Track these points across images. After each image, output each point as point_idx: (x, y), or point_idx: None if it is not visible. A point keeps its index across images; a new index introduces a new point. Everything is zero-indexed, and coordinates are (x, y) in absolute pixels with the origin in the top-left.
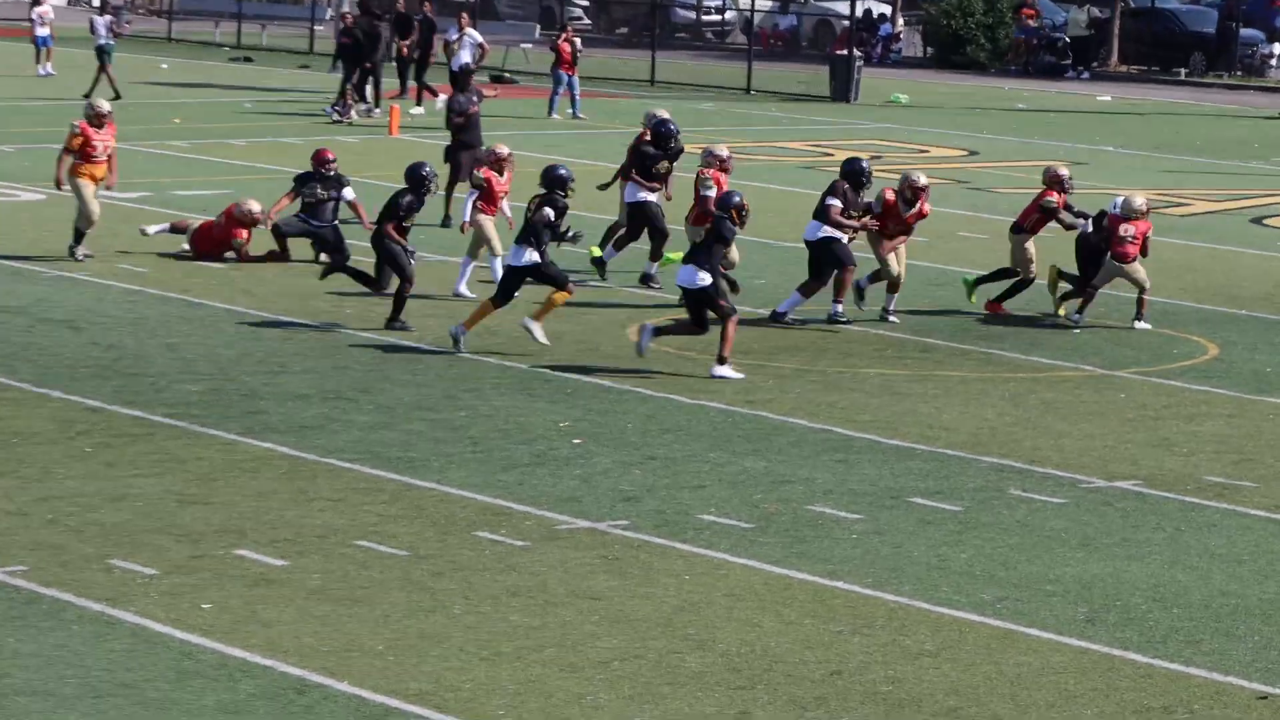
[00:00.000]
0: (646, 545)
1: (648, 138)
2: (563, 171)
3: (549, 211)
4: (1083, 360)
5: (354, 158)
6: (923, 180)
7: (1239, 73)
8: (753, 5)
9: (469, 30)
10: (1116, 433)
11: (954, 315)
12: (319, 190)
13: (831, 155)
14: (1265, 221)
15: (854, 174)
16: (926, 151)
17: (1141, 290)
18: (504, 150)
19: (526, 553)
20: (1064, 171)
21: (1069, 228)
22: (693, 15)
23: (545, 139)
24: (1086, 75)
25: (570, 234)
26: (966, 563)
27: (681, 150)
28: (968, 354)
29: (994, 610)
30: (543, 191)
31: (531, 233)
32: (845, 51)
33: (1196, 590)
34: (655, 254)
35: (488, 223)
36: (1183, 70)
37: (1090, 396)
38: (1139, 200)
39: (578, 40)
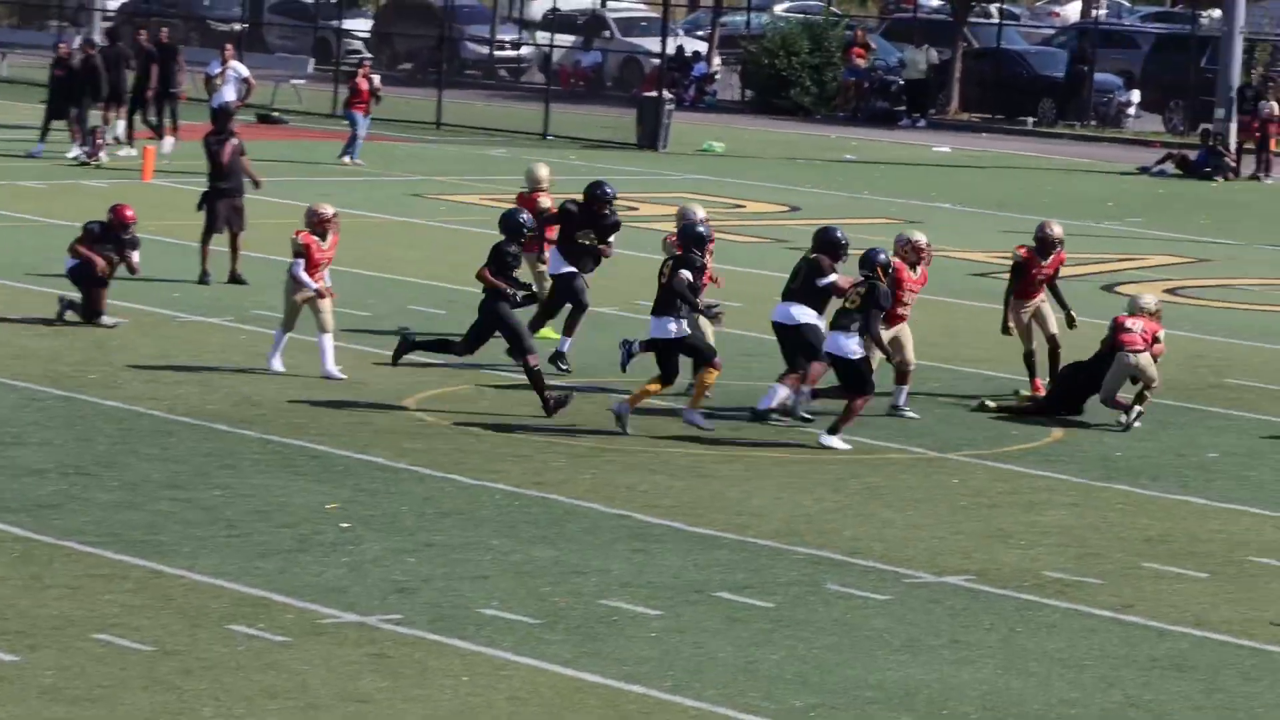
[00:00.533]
0: (421, 642)
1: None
2: (701, 230)
3: (686, 274)
4: (910, 441)
5: (102, 204)
6: (923, 239)
7: (1093, 122)
8: (551, 40)
9: (233, 64)
10: (947, 522)
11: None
12: (111, 253)
13: (637, 209)
14: (1117, 289)
15: (832, 244)
16: (743, 206)
17: (1147, 387)
18: (328, 210)
19: (287, 649)
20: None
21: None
22: (485, 51)
23: (316, 187)
24: (923, 123)
25: (714, 311)
26: (777, 665)
27: (618, 224)
28: (783, 435)
29: (806, 719)
30: (676, 254)
31: (670, 300)
32: (655, 93)
33: (1033, 699)
34: (568, 329)
35: (304, 295)
36: (1030, 119)
37: (919, 481)
38: (1148, 298)
39: (376, 77)
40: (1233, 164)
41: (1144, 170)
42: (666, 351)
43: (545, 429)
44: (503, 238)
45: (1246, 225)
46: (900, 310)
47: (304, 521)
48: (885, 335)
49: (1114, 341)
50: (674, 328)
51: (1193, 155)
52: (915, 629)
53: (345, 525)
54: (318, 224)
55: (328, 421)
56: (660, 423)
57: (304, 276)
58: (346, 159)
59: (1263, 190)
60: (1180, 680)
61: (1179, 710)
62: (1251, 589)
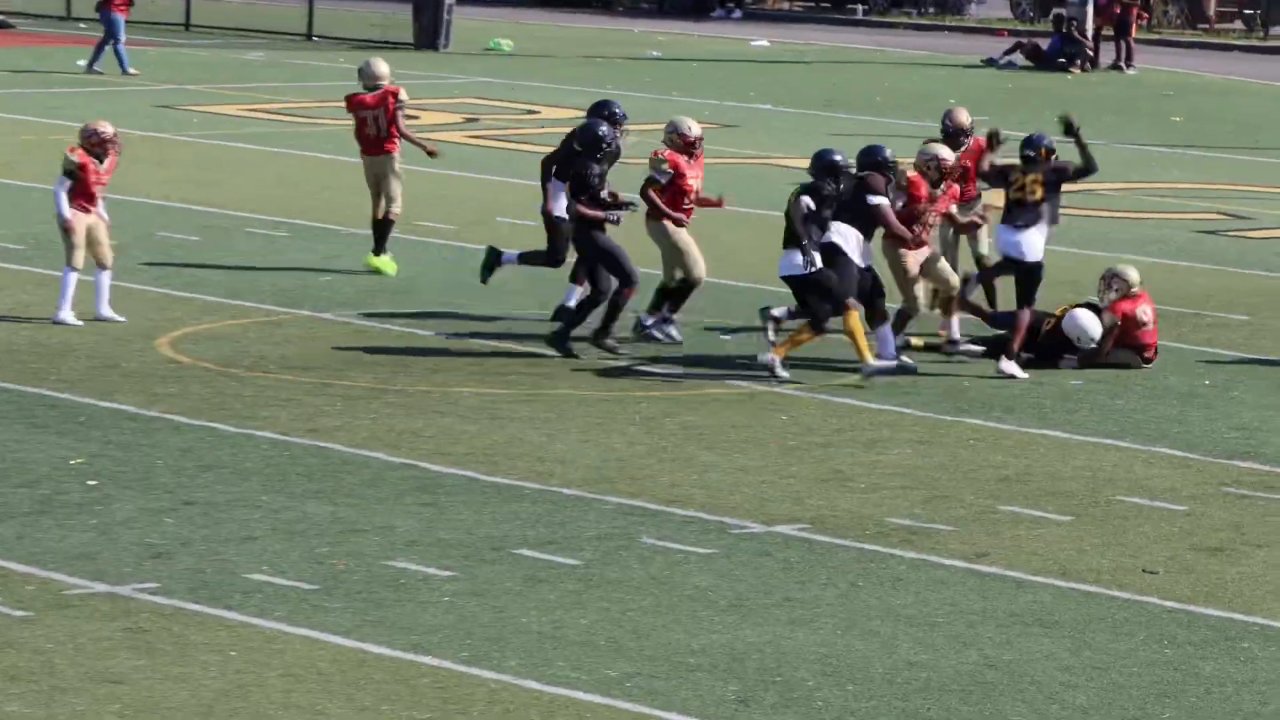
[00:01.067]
0: (180, 614)
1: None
2: (837, 157)
3: (807, 200)
4: (734, 374)
5: None
6: (948, 155)
7: (932, 9)
8: None
9: None
10: (776, 465)
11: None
12: None
13: (418, 117)
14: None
15: (884, 164)
16: (537, 113)
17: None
18: (107, 129)
19: (28, 625)
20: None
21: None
22: None
23: (49, 100)
24: (739, 14)
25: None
26: (587, 630)
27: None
28: (590, 367)
29: (623, 690)
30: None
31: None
32: None
33: (878, 661)
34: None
35: (81, 223)
36: (860, 6)
37: (743, 419)
38: (1134, 272)
39: None
40: (1090, 52)
41: (991, 62)
42: (803, 290)
43: (317, 368)
44: (577, 155)
45: (1107, 121)
46: (925, 233)
47: (44, 480)
48: (915, 259)
49: (1126, 337)
50: (800, 261)
51: (1044, 44)
52: (743, 586)
53: (92, 482)
54: (96, 144)
55: (69, 367)
56: (446, 361)
57: (63, 200)
58: (94, 67)
59: (1124, 81)
60: (1044, 637)
61: (1043, 670)
62: (1120, 533)
